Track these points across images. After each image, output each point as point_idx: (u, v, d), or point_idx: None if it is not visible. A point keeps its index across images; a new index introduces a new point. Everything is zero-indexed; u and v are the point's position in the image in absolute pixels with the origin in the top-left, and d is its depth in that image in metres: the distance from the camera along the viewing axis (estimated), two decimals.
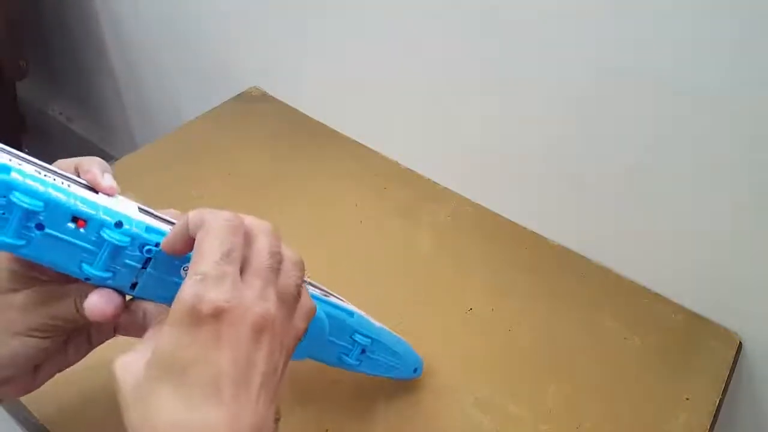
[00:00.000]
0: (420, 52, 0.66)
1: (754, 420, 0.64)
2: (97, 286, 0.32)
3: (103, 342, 0.39)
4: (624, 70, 0.53)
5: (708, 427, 0.51)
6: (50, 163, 0.33)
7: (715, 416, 0.52)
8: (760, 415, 0.64)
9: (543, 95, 0.59)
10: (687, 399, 0.53)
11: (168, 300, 0.32)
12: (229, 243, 0.31)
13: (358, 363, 0.44)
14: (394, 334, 0.47)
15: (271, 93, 0.85)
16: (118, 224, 0.31)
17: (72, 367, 0.38)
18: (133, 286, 0.33)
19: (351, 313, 0.42)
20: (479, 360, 0.55)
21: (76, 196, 0.30)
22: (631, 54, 0.52)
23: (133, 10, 1.01)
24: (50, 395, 0.47)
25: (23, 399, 0.47)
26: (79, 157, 0.35)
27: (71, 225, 0.30)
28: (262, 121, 0.81)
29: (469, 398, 0.52)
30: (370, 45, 0.70)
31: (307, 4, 0.73)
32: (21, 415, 0.47)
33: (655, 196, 0.57)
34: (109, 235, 0.31)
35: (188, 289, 0.29)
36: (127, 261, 0.32)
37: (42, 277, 0.34)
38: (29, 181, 0.29)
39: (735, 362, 0.57)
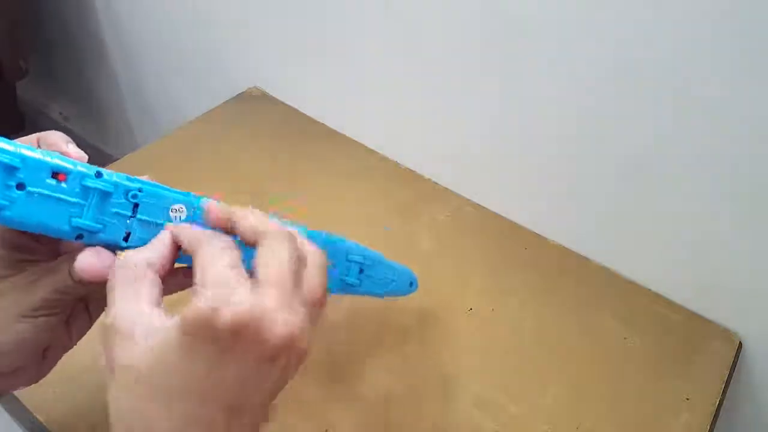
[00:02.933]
0: (420, 52, 0.66)
1: (754, 420, 0.65)
2: (87, 246, 0.32)
3: (101, 312, 0.37)
4: (624, 69, 0.53)
5: (708, 427, 0.51)
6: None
7: (715, 416, 0.52)
8: (760, 415, 0.64)
9: (543, 95, 0.59)
10: (687, 399, 0.53)
11: None
12: (229, 257, 0.29)
13: (359, 282, 0.45)
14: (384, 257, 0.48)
15: (271, 93, 0.85)
16: (98, 174, 0.31)
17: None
18: (126, 237, 0.32)
19: (342, 239, 0.44)
20: (479, 360, 0.55)
21: (50, 153, 0.30)
22: (631, 53, 0.52)
23: (133, 10, 1.01)
24: (51, 395, 0.47)
25: (23, 399, 0.47)
26: (38, 133, 0.34)
27: (52, 181, 0.30)
28: (262, 121, 0.81)
29: (469, 398, 0.52)
30: (371, 45, 0.70)
31: (308, 5, 0.73)
32: (21, 415, 0.47)
33: (655, 196, 0.57)
34: (93, 182, 0.30)
35: (201, 304, 0.26)
36: (116, 210, 0.32)
37: (31, 258, 0.34)
38: (2, 144, 0.29)
39: (735, 362, 0.57)
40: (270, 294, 0.28)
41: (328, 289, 0.38)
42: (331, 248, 0.41)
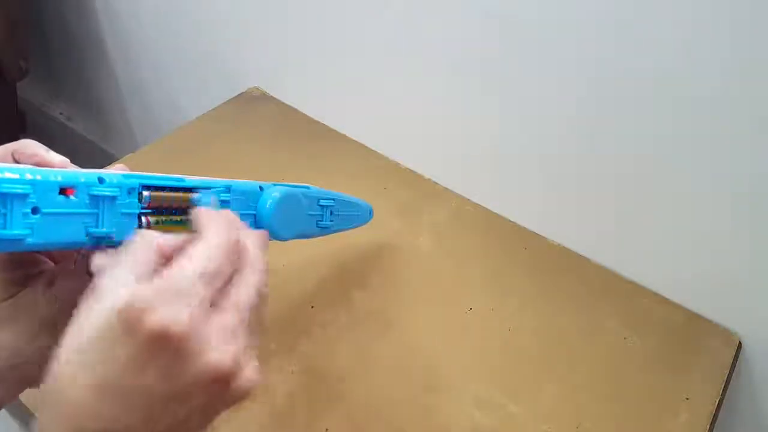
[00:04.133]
0: (420, 52, 0.66)
1: (754, 420, 0.64)
2: (100, 248, 0.32)
3: (71, 288, 0.35)
4: (624, 70, 0.53)
5: (708, 426, 0.51)
6: None
7: (715, 416, 0.52)
8: (760, 415, 0.64)
9: (543, 95, 0.59)
10: (687, 399, 0.53)
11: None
12: (217, 264, 0.27)
13: (332, 223, 0.49)
14: (342, 193, 0.52)
15: (271, 93, 0.86)
16: (101, 180, 0.31)
17: None
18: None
19: (307, 187, 0.47)
20: (479, 360, 0.55)
21: (50, 171, 0.30)
22: (631, 54, 0.52)
23: (134, 10, 1.01)
24: None
25: (24, 399, 0.47)
26: (10, 144, 0.33)
27: (61, 198, 0.30)
28: (262, 121, 0.81)
29: (469, 398, 0.52)
30: (371, 45, 0.70)
31: (308, 5, 0.73)
32: (21, 415, 0.47)
33: (655, 196, 0.57)
34: (99, 190, 0.31)
35: (139, 289, 0.25)
36: (123, 211, 0.32)
37: (34, 271, 0.34)
38: (8, 174, 0.28)
39: (735, 362, 0.57)
40: (223, 318, 0.27)
41: (306, 235, 0.46)
42: (310, 199, 0.46)
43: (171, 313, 0.25)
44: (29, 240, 0.29)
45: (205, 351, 0.26)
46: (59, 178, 0.30)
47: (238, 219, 0.32)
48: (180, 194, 0.36)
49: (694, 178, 0.54)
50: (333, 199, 0.49)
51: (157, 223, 0.34)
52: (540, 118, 0.61)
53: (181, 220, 0.36)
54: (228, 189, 0.38)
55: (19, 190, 0.28)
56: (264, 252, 0.31)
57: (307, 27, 0.75)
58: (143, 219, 0.33)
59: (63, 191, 0.30)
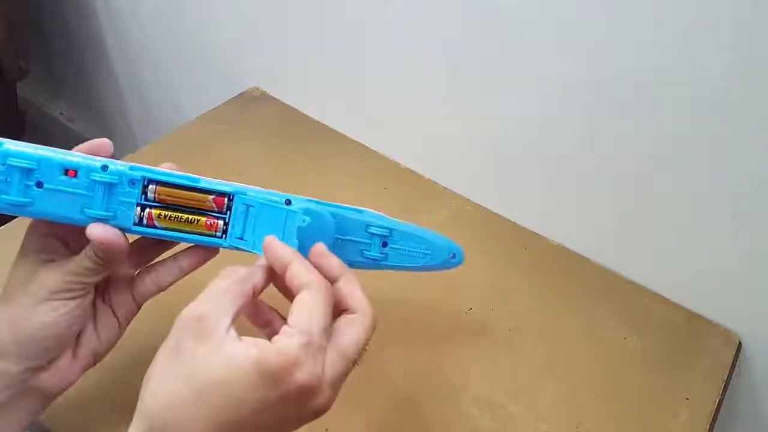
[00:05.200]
0: (420, 52, 0.66)
1: (754, 420, 0.64)
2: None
3: (128, 318, 0.41)
4: (624, 70, 0.53)
5: (708, 426, 0.51)
6: None
7: (715, 416, 0.52)
8: (760, 415, 0.64)
9: (543, 95, 0.59)
10: (687, 399, 0.53)
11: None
12: (329, 316, 0.32)
13: (383, 256, 0.43)
14: (422, 227, 0.45)
15: (271, 93, 0.85)
16: (104, 167, 0.35)
17: None
18: (137, 222, 0.37)
19: (359, 211, 0.42)
20: (479, 360, 0.55)
21: (62, 152, 0.35)
22: (631, 54, 0.52)
23: (134, 10, 1.01)
24: None
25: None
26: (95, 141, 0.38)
27: (64, 177, 0.35)
28: (262, 121, 0.81)
29: (469, 398, 0.52)
30: (371, 45, 0.70)
31: (307, 4, 0.73)
32: None
33: (655, 196, 0.57)
34: (99, 176, 0.35)
35: (294, 348, 0.30)
36: (123, 199, 0.36)
37: (62, 250, 0.38)
38: (21, 148, 0.34)
39: (735, 362, 0.57)
40: (336, 366, 0.32)
41: (353, 263, 0.42)
42: (342, 221, 0.41)
43: (313, 368, 0.30)
44: (29, 209, 0.35)
45: (321, 393, 0.32)
46: (65, 158, 0.35)
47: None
48: (194, 194, 0.38)
49: (694, 178, 0.54)
50: (389, 229, 0.43)
51: (160, 217, 0.37)
52: (540, 118, 0.61)
53: (189, 219, 0.37)
54: (251, 205, 0.39)
55: (26, 165, 0.34)
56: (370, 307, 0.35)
57: (307, 27, 0.75)
58: (141, 210, 0.36)
59: (66, 171, 0.35)
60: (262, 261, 0.36)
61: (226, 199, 0.38)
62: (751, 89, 0.48)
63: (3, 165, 0.34)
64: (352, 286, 0.36)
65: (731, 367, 0.56)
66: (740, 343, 0.58)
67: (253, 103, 0.84)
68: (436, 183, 0.73)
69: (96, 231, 0.35)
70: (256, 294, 0.35)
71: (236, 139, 0.78)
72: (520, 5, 0.56)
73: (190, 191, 0.38)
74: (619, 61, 0.53)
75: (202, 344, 0.30)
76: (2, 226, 0.58)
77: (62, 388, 0.39)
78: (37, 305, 0.35)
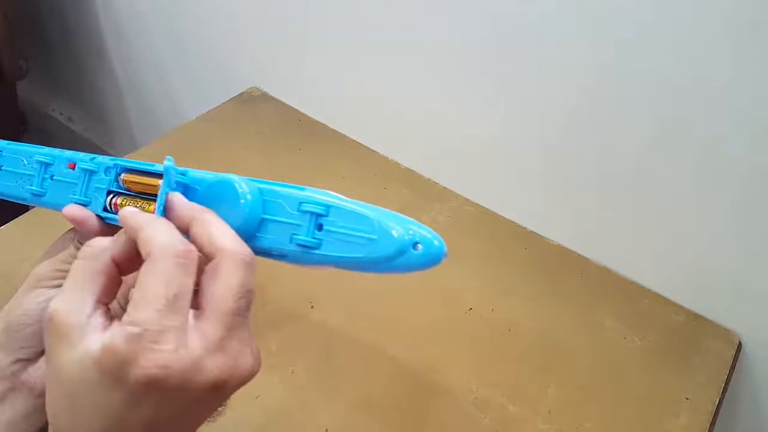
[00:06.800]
0: (420, 52, 0.66)
1: (754, 420, 0.65)
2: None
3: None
4: (624, 70, 0.53)
5: (708, 427, 0.51)
6: None
7: (715, 416, 0.52)
8: (760, 415, 0.64)
9: (543, 95, 0.59)
10: (687, 399, 0.53)
11: None
12: (177, 285, 0.26)
13: (317, 242, 0.30)
14: (379, 207, 0.32)
15: (271, 93, 0.85)
16: (92, 159, 0.38)
17: None
18: (105, 208, 0.37)
19: (301, 188, 0.32)
20: (479, 360, 0.55)
21: (71, 152, 0.39)
22: (631, 54, 0.52)
23: (134, 11, 1.01)
24: None
25: None
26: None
27: (67, 169, 0.38)
28: (262, 121, 0.81)
29: (469, 398, 0.52)
30: (370, 45, 0.70)
31: (307, 4, 0.73)
32: None
33: (655, 196, 0.57)
34: (85, 164, 0.38)
35: (120, 343, 0.25)
36: (97, 185, 0.37)
37: None
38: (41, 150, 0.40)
39: (735, 362, 0.57)
40: (206, 332, 0.26)
41: (282, 252, 0.32)
42: (278, 199, 0.32)
43: (152, 360, 0.25)
44: (43, 198, 0.39)
45: (197, 372, 0.25)
46: (66, 154, 0.39)
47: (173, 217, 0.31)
48: (149, 179, 0.35)
49: (694, 178, 0.54)
50: (326, 206, 0.30)
51: (122, 204, 0.37)
52: (540, 118, 0.61)
53: (143, 206, 0.35)
54: (184, 173, 0.34)
55: (48, 160, 0.39)
56: (235, 245, 0.28)
57: (308, 27, 0.75)
58: (111, 197, 0.37)
59: (70, 165, 0.38)
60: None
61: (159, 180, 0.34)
62: (751, 89, 0.48)
63: (29, 160, 0.40)
64: (206, 227, 0.29)
65: (731, 367, 0.56)
66: (740, 343, 0.58)
67: (253, 103, 0.84)
68: (436, 183, 0.73)
69: (70, 210, 0.36)
70: (120, 266, 0.30)
71: (236, 138, 0.78)
72: (520, 5, 0.56)
73: (147, 176, 0.35)
74: (619, 61, 0.53)
75: (62, 343, 0.27)
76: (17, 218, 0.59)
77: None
78: (25, 293, 0.35)
